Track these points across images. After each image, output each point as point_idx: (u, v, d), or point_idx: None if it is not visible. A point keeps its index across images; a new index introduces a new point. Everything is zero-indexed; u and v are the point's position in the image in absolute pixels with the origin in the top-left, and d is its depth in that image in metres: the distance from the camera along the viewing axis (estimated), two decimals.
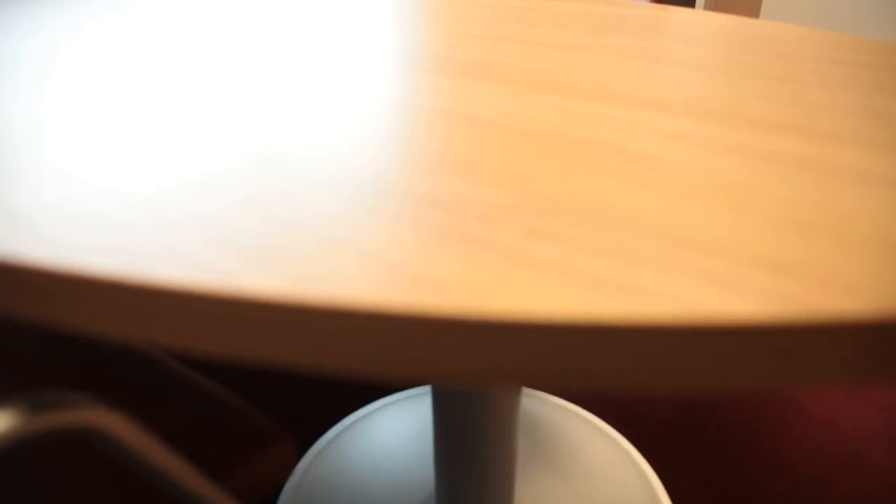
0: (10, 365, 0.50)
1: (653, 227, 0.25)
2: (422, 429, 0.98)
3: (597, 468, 0.90)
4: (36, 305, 0.24)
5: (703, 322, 0.19)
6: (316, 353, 0.22)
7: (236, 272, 0.22)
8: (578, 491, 0.86)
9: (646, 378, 0.20)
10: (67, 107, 0.42)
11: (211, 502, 0.36)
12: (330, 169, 0.31)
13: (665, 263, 0.22)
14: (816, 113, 0.39)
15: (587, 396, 1.05)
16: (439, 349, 0.20)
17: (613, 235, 0.24)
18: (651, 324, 0.19)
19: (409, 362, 0.21)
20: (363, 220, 0.26)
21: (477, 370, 0.21)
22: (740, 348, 0.19)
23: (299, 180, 0.30)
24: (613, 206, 0.26)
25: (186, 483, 0.34)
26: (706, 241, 0.24)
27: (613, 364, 0.20)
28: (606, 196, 0.27)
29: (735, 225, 0.25)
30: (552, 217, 0.25)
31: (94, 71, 0.51)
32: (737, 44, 0.58)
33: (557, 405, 1.03)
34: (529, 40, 0.59)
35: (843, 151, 0.32)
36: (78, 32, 0.67)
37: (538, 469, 0.90)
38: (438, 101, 0.41)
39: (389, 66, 0.50)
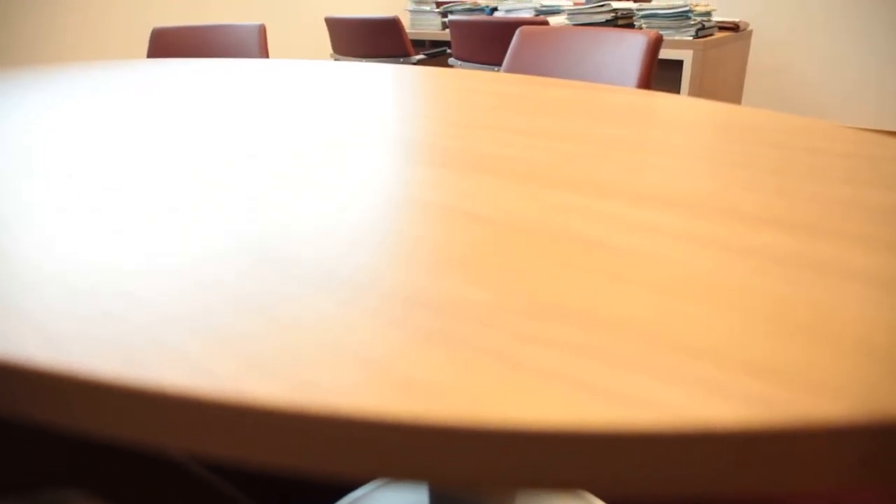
0: (10, 463, 0.50)
1: (641, 330, 0.25)
2: None
3: None
4: (36, 404, 0.25)
5: (688, 429, 0.20)
6: (314, 458, 0.22)
7: (236, 377, 0.23)
8: None
9: (635, 483, 0.20)
10: (59, 196, 0.43)
11: None
12: (328, 267, 0.32)
13: (653, 368, 0.23)
14: (800, 205, 0.40)
15: None
16: (434, 455, 0.21)
17: (603, 338, 0.25)
18: (638, 431, 0.20)
19: (404, 468, 0.21)
20: (360, 322, 0.26)
21: (471, 475, 0.21)
22: (726, 454, 0.20)
23: (298, 278, 0.31)
24: (603, 307, 0.27)
25: None
26: (693, 344, 0.24)
27: (603, 470, 0.20)
28: (597, 296, 0.28)
29: (722, 326, 0.26)
30: (544, 319, 0.26)
31: (82, 156, 0.53)
32: (722, 132, 0.60)
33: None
34: (523, 129, 0.62)
35: (826, 246, 0.34)
36: (60, 113, 0.70)
37: None
38: (435, 196, 0.43)
39: (387, 157, 0.53)
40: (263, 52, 1.77)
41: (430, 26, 2.80)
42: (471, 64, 2.09)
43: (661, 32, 2.12)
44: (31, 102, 0.83)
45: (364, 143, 0.58)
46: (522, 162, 0.50)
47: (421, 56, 2.35)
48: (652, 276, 0.30)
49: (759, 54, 3.71)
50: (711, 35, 2.17)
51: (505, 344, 0.25)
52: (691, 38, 2.06)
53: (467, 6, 2.63)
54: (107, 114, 0.74)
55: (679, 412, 0.20)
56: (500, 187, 0.44)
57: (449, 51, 2.25)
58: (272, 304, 0.28)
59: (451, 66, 2.19)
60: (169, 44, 1.83)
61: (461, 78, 0.99)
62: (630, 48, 1.12)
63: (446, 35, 2.66)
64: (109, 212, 0.41)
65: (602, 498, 0.96)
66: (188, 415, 0.23)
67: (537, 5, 2.42)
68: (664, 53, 2.10)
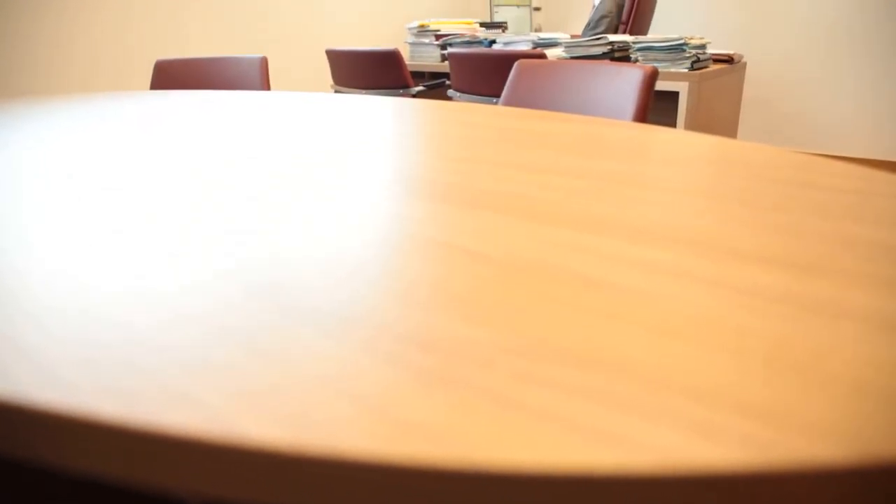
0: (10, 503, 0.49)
1: (638, 370, 0.26)
2: None
3: None
4: (40, 446, 0.25)
5: (682, 472, 0.20)
6: (313, 498, 0.22)
7: (236, 417, 0.23)
8: None
9: None
10: (60, 231, 0.44)
11: None
12: (326, 303, 0.32)
13: (648, 409, 0.23)
14: (796, 242, 0.41)
15: None
16: (429, 498, 0.21)
17: (600, 379, 0.25)
18: (632, 474, 0.20)
19: None
20: (357, 360, 0.27)
21: None
22: (720, 497, 0.20)
23: (296, 314, 0.31)
24: (601, 348, 0.28)
25: None
26: (689, 385, 0.25)
27: None
28: (594, 336, 0.29)
29: (717, 367, 0.26)
30: (541, 359, 0.27)
31: (82, 187, 0.54)
32: (718, 166, 0.61)
33: None
34: (522, 164, 0.63)
35: (822, 284, 0.34)
36: (58, 144, 0.71)
37: None
38: (434, 232, 0.43)
39: (386, 191, 0.53)
40: (265, 84, 1.79)
41: (429, 58, 2.84)
42: (469, 95, 2.12)
43: (657, 65, 2.15)
44: (29, 134, 0.84)
45: (364, 177, 0.59)
46: (521, 198, 0.51)
47: (420, 87, 2.38)
48: (649, 316, 0.31)
49: (754, 85, 3.76)
50: (706, 67, 2.20)
51: (501, 384, 0.25)
52: (686, 70, 2.09)
53: (466, 39, 2.67)
54: (107, 144, 0.75)
55: (673, 455, 0.21)
56: (499, 224, 0.45)
57: (448, 82, 2.29)
58: (270, 341, 0.28)
59: (449, 98, 2.22)
60: (172, 75, 1.86)
61: (460, 111, 1.00)
62: (626, 82, 1.14)
63: (445, 67, 2.70)
64: (108, 244, 0.42)
65: None
66: (186, 454, 0.23)
67: (535, 38, 2.46)
68: (660, 85, 2.13)
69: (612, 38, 2.24)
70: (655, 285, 0.34)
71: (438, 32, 2.82)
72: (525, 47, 2.42)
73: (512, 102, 1.32)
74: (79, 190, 0.56)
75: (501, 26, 3.07)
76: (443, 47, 2.78)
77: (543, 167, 0.62)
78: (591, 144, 0.73)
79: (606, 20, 3.27)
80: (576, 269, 0.36)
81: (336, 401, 0.24)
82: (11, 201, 0.53)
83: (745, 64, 2.64)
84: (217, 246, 0.41)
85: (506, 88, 1.33)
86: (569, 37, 2.60)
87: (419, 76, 2.84)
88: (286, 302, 0.33)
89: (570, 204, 0.49)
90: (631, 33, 3.21)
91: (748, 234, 0.42)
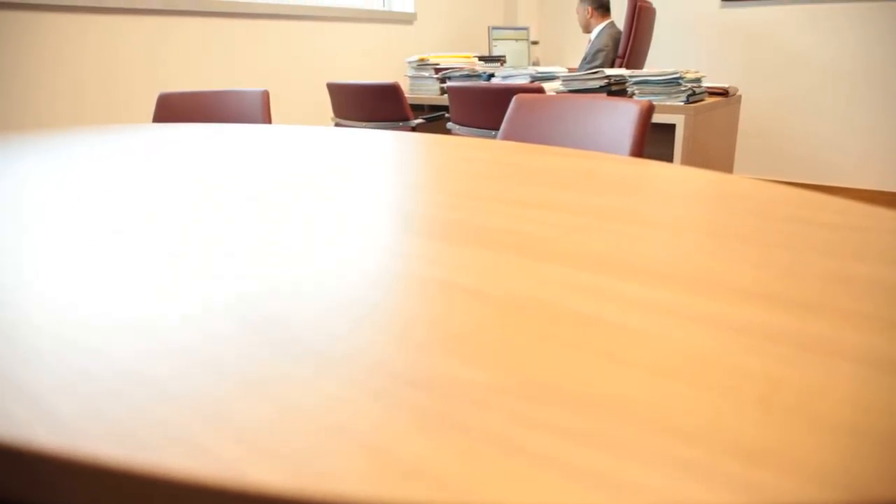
0: None
1: (634, 412, 0.26)
2: None
3: None
4: (39, 490, 0.25)
5: None
6: None
7: (238, 462, 0.23)
8: None
9: None
10: (57, 263, 0.44)
11: None
12: (326, 345, 0.33)
13: (643, 452, 0.23)
14: (791, 279, 0.41)
15: None
16: None
17: (597, 422, 0.25)
18: None
19: None
20: (357, 402, 0.27)
21: None
22: None
23: (296, 356, 0.31)
24: (598, 389, 0.28)
25: None
26: (683, 427, 0.25)
27: None
28: (591, 377, 0.29)
29: (712, 408, 0.26)
30: (539, 402, 0.27)
31: (81, 222, 0.54)
32: (713, 202, 0.62)
33: None
34: (520, 200, 0.63)
35: (817, 323, 0.34)
36: (57, 179, 0.71)
37: None
38: (432, 269, 0.44)
39: (383, 227, 0.54)
40: (266, 117, 1.82)
41: (428, 91, 2.89)
42: (468, 128, 2.14)
43: (654, 98, 2.19)
44: (26, 168, 0.85)
45: (363, 212, 0.59)
46: (519, 234, 0.52)
47: (420, 120, 2.41)
48: (646, 355, 0.31)
49: (749, 117, 3.81)
50: (702, 100, 2.23)
51: (500, 426, 0.25)
52: (682, 103, 2.12)
53: (465, 72, 2.71)
54: (110, 175, 0.76)
55: (667, 498, 0.21)
56: (498, 261, 0.45)
57: (447, 115, 2.32)
58: (266, 379, 0.29)
59: (449, 130, 2.25)
60: (174, 108, 1.88)
61: (459, 146, 1.02)
62: (623, 116, 1.15)
63: (445, 100, 2.74)
64: (108, 282, 0.42)
65: None
66: (190, 500, 0.23)
67: (533, 72, 2.50)
68: (657, 118, 2.16)
69: (608, 71, 2.27)
70: (652, 324, 0.34)
71: (438, 66, 2.86)
72: (523, 81, 2.46)
73: (510, 136, 1.33)
74: (79, 219, 0.57)
75: (500, 60, 3.12)
76: (442, 80, 2.82)
77: (541, 203, 0.62)
78: (588, 180, 0.74)
79: (603, 54, 3.33)
80: (573, 308, 0.37)
81: (335, 442, 0.24)
82: (12, 228, 0.54)
83: (740, 96, 2.68)
84: (213, 279, 0.42)
85: (504, 122, 1.35)
86: (566, 70, 2.65)
87: (419, 109, 2.88)
88: (283, 338, 0.33)
89: (567, 241, 0.50)
90: (627, 67, 3.26)
91: (747, 272, 0.42)
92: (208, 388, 0.29)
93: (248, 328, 0.35)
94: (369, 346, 0.33)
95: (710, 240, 0.50)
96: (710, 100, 2.28)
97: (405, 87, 3.00)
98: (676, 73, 2.14)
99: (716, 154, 2.45)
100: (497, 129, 1.99)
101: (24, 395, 0.28)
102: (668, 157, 2.39)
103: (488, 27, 3.85)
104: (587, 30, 3.50)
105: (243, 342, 0.33)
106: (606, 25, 3.39)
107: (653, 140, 2.38)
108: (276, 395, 0.28)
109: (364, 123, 2.45)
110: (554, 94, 2.26)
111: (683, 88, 2.13)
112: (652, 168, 0.80)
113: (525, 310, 0.37)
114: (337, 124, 2.59)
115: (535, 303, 0.38)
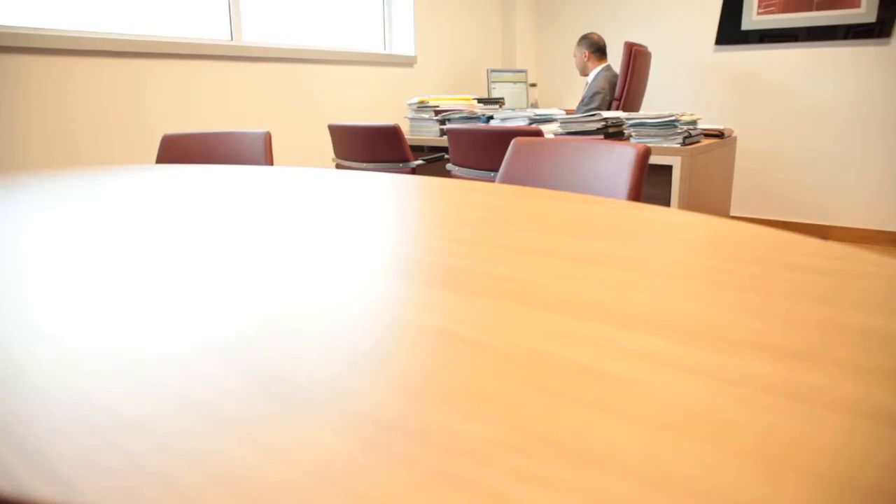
0: None
1: (628, 466, 0.26)
2: None
3: None
4: None
5: None
6: None
7: None
8: None
9: None
10: (53, 310, 0.45)
11: None
12: (324, 394, 0.33)
13: None
14: (785, 328, 0.42)
15: None
16: None
17: (591, 476, 0.26)
18: None
19: None
20: (355, 454, 0.27)
21: None
22: None
23: (293, 404, 0.32)
24: (594, 443, 0.28)
25: None
26: (677, 482, 0.25)
27: None
28: (587, 430, 0.29)
29: (705, 461, 0.26)
30: (537, 456, 0.27)
31: (79, 267, 0.55)
32: (711, 248, 0.63)
33: None
34: (518, 246, 0.64)
35: (812, 374, 0.35)
36: (52, 225, 0.72)
37: None
38: (428, 317, 0.44)
39: (381, 274, 0.54)
40: (268, 159, 1.84)
41: (428, 133, 2.93)
42: (468, 170, 2.17)
43: (650, 140, 2.22)
44: (24, 210, 0.86)
45: (362, 258, 0.60)
46: (517, 282, 0.52)
47: (420, 161, 2.44)
48: (643, 408, 0.31)
49: (745, 157, 3.85)
50: (698, 142, 2.26)
51: (496, 481, 0.25)
52: (679, 145, 2.15)
53: (464, 114, 2.76)
54: (110, 215, 0.77)
55: None
56: (496, 310, 0.46)
57: (447, 156, 2.35)
58: (263, 431, 0.29)
59: (448, 171, 2.27)
60: (178, 149, 1.91)
61: (458, 190, 1.03)
62: (620, 160, 1.17)
63: (444, 141, 2.77)
64: (104, 329, 0.42)
65: None
66: None
67: (531, 114, 2.54)
68: (654, 159, 2.19)
69: (605, 114, 2.31)
70: (647, 375, 0.35)
71: (437, 108, 2.91)
72: (522, 123, 2.50)
73: (509, 179, 1.35)
74: (77, 262, 0.58)
75: (499, 102, 3.17)
76: (442, 122, 2.86)
77: (539, 249, 0.63)
78: (586, 225, 0.75)
79: (600, 96, 3.39)
80: (570, 358, 0.37)
81: (323, 492, 0.24)
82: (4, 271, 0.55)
83: (735, 138, 2.72)
84: (206, 321, 0.42)
85: (503, 165, 1.37)
86: (564, 112, 2.69)
87: (419, 150, 2.91)
88: (279, 389, 0.33)
89: (566, 288, 0.50)
90: (624, 109, 3.31)
91: (743, 321, 0.43)
92: (207, 437, 0.29)
93: (242, 376, 0.35)
94: (362, 393, 0.33)
95: (707, 287, 0.50)
96: (705, 141, 2.31)
97: (405, 128, 3.04)
98: (672, 115, 2.18)
99: (713, 195, 2.47)
100: (496, 170, 2.01)
101: (19, 447, 0.28)
102: (666, 198, 2.41)
103: (487, 70, 3.93)
104: (584, 73, 3.57)
105: (234, 384, 0.33)
106: (603, 69, 3.46)
107: (650, 181, 2.40)
108: (270, 446, 0.28)
109: (365, 164, 2.48)
110: (552, 136, 2.29)
111: (679, 131, 2.16)
112: (649, 213, 0.81)
113: (523, 360, 0.37)
114: (338, 165, 2.62)
115: (533, 353, 0.38)
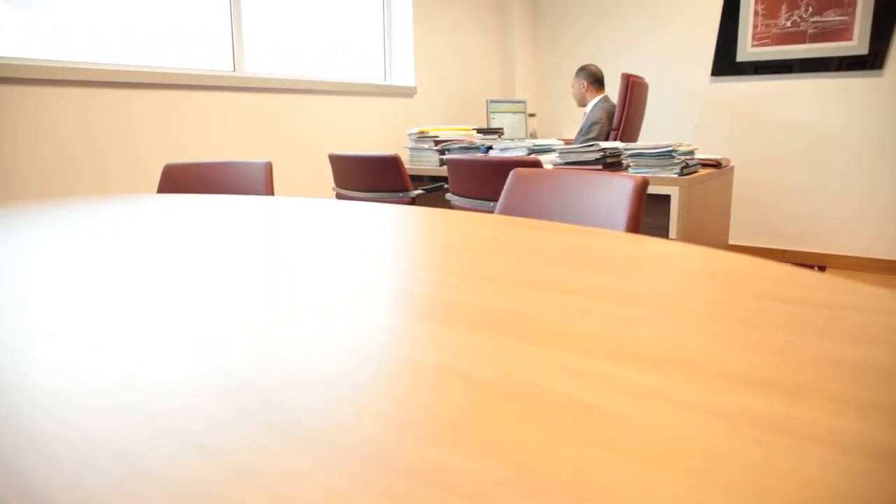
0: None
1: (625, 503, 0.26)
2: None
3: None
4: None
5: None
6: None
7: None
8: None
9: None
10: (48, 341, 0.45)
11: None
12: (325, 433, 0.33)
13: None
14: (782, 363, 0.42)
15: None
16: None
17: None
18: None
19: None
20: (341, 487, 0.27)
21: None
22: None
23: (284, 437, 0.32)
24: (592, 480, 0.28)
25: None
26: None
27: None
28: (585, 467, 0.29)
29: (701, 497, 0.27)
30: (534, 494, 0.27)
31: (76, 298, 0.55)
32: (709, 281, 0.63)
33: None
34: (517, 279, 0.65)
35: (808, 409, 0.35)
36: (49, 260, 0.73)
37: None
38: (427, 352, 0.44)
39: (381, 310, 0.55)
40: (269, 189, 1.85)
41: (428, 163, 2.95)
42: (467, 199, 2.18)
43: (648, 171, 2.24)
44: (22, 242, 0.87)
45: (360, 292, 0.60)
46: (516, 316, 0.52)
47: (419, 191, 2.45)
48: (637, 444, 0.31)
49: (743, 186, 3.88)
50: (695, 172, 2.28)
51: None
52: (677, 175, 2.17)
53: (464, 144, 2.79)
54: (111, 246, 0.78)
55: None
56: (494, 344, 0.46)
57: (446, 186, 2.36)
58: (259, 466, 0.29)
59: (448, 202, 2.28)
60: (179, 179, 1.92)
61: (457, 221, 1.04)
62: (618, 192, 1.18)
63: (444, 171, 2.80)
64: (98, 354, 0.43)
65: None
66: None
67: (530, 144, 2.57)
68: (653, 189, 2.21)
69: (604, 144, 2.33)
70: (644, 411, 0.35)
71: (437, 138, 2.94)
72: (520, 153, 2.52)
73: (509, 209, 1.36)
74: (77, 288, 0.58)
75: (498, 132, 3.21)
76: (441, 152, 2.88)
77: (538, 282, 0.64)
78: (585, 257, 0.75)
79: (598, 126, 3.42)
80: (568, 394, 0.37)
81: None
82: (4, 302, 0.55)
83: (732, 167, 2.74)
84: (200, 354, 0.42)
85: (503, 196, 1.38)
86: (562, 142, 2.71)
87: (418, 179, 2.93)
88: (268, 419, 0.34)
89: (564, 322, 0.51)
90: (621, 139, 3.34)
91: (740, 356, 0.43)
92: (179, 459, 0.29)
93: (238, 410, 0.35)
94: (359, 432, 0.33)
95: (704, 321, 0.51)
96: (703, 171, 2.33)
97: (405, 158, 3.07)
98: (670, 146, 2.20)
99: (711, 224, 2.48)
100: (495, 200, 2.03)
101: (15, 477, 0.29)
102: (665, 227, 2.42)
103: (486, 100, 3.98)
104: (582, 103, 3.61)
105: (224, 413, 0.34)
106: (601, 99, 3.50)
107: (649, 210, 2.42)
108: (266, 480, 0.28)
109: (365, 194, 2.49)
110: (551, 166, 2.31)
111: (677, 161, 2.18)
112: (647, 245, 0.82)
113: (521, 396, 0.37)
114: (338, 194, 2.64)
115: (530, 388, 0.38)
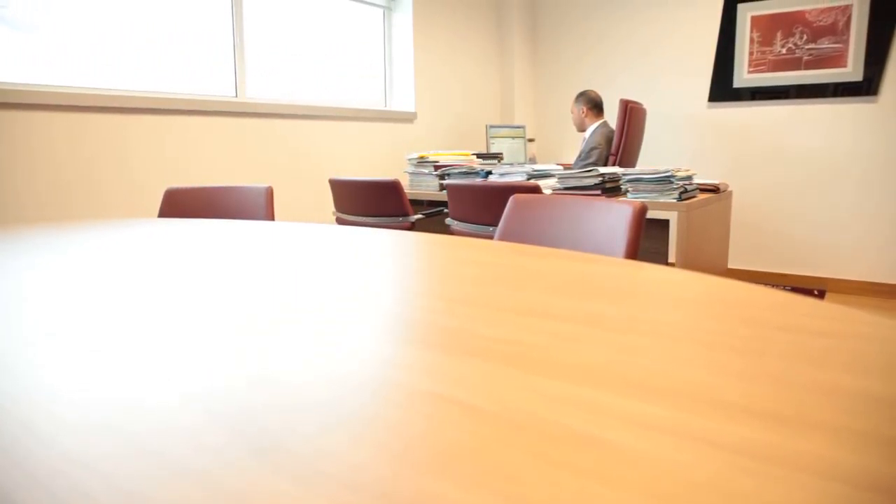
0: None
1: None
2: None
3: None
4: None
5: None
6: None
7: None
8: None
9: None
10: (45, 365, 0.45)
11: None
12: (323, 464, 0.33)
13: None
14: (782, 393, 0.42)
15: None
16: None
17: None
18: None
19: None
20: None
21: None
22: None
23: (278, 465, 0.32)
24: None
25: None
26: None
27: None
28: (583, 499, 0.29)
29: None
30: None
31: (73, 321, 0.55)
32: (707, 309, 0.63)
33: None
34: (515, 307, 0.65)
35: (808, 441, 0.35)
36: (50, 282, 0.73)
37: None
38: (425, 381, 0.44)
39: (379, 337, 0.55)
40: (269, 214, 1.86)
41: (428, 187, 2.97)
42: (467, 224, 2.19)
43: (646, 196, 2.25)
44: (23, 264, 0.87)
45: (359, 319, 0.61)
46: (515, 344, 0.53)
47: (419, 216, 2.46)
48: (638, 478, 0.31)
49: (741, 211, 3.90)
50: (694, 197, 2.29)
51: None
52: (675, 200, 2.18)
53: (463, 169, 2.80)
54: (111, 269, 0.78)
55: None
56: (493, 374, 0.46)
57: (446, 210, 2.37)
58: (253, 493, 0.29)
59: (447, 226, 2.29)
60: (180, 203, 1.93)
61: (457, 247, 1.04)
62: (616, 218, 1.19)
63: (444, 196, 2.81)
64: (97, 390, 0.43)
65: None
66: None
67: (529, 170, 2.59)
68: (652, 213, 2.22)
69: (602, 169, 2.35)
70: (642, 442, 0.35)
71: (437, 163, 2.96)
72: (520, 178, 2.54)
73: (508, 235, 1.37)
74: (74, 313, 0.58)
75: (497, 157, 3.23)
76: (441, 177, 2.90)
77: (537, 310, 0.64)
78: (584, 284, 0.76)
79: (597, 151, 3.45)
80: (567, 424, 0.37)
81: None
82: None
83: (731, 192, 2.76)
84: (195, 376, 0.42)
85: (502, 221, 1.39)
86: (561, 167, 2.73)
87: (418, 204, 2.95)
88: (266, 449, 0.33)
89: (563, 351, 0.51)
90: (620, 164, 3.37)
91: (738, 385, 0.43)
92: (166, 483, 0.29)
93: (223, 423, 0.35)
94: (354, 463, 0.33)
95: (702, 350, 0.51)
96: (701, 196, 2.35)
97: (405, 182, 3.09)
98: (668, 171, 2.21)
99: (710, 248, 2.49)
100: (495, 224, 2.04)
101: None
102: (664, 252, 2.42)
103: (486, 125, 4.01)
104: (581, 128, 3.64)
105: (215, 437, 0.34)
106: (600, 125, 3.53)
107: (648, 235, 2.42)
108: (236, 493, 0.28)
109: (365, 218, 2.50)
110: (550, 191, 2.33)
111: (675, 186, 2.20)
112: (646, 272, 0.82)
113: (518, 425, 0.37)
114: (338, 219, 2.65)
115: (529, 419, 0.38)
